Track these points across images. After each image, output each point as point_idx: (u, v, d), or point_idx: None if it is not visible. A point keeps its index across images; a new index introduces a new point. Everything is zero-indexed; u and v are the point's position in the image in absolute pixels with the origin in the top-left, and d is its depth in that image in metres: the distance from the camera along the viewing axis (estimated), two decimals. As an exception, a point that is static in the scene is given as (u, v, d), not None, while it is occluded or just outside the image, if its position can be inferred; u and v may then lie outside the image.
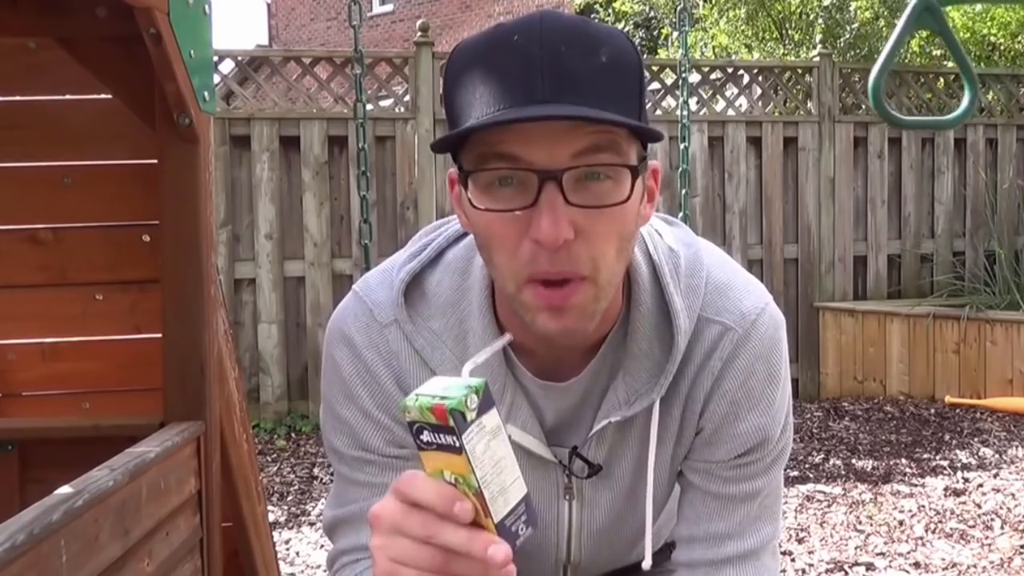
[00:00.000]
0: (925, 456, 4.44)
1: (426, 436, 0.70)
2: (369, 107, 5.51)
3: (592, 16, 12.39)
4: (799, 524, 3.59)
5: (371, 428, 1.01)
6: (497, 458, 0.71)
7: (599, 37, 0.83)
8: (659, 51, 10.50)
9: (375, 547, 0.73)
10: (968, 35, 7.34)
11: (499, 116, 0.79)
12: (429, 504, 0.71)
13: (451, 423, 0.69)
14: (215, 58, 4.39)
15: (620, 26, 12.43)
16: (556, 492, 1.05)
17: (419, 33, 5.34)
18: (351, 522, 1.03)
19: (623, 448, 1.02)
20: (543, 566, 1.12)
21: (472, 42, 0.85)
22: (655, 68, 5.89)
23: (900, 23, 1.73)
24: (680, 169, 3.44)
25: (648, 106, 5.68)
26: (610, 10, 12.26)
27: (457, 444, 0.69)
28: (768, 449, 1.01)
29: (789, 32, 7.93)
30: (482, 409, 0.70)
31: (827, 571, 3.18)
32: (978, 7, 7.09)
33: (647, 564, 1.04)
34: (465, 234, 1.02)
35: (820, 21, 7.46)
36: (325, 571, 3.39)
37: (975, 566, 3.16)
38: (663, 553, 1.17)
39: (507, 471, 0.72)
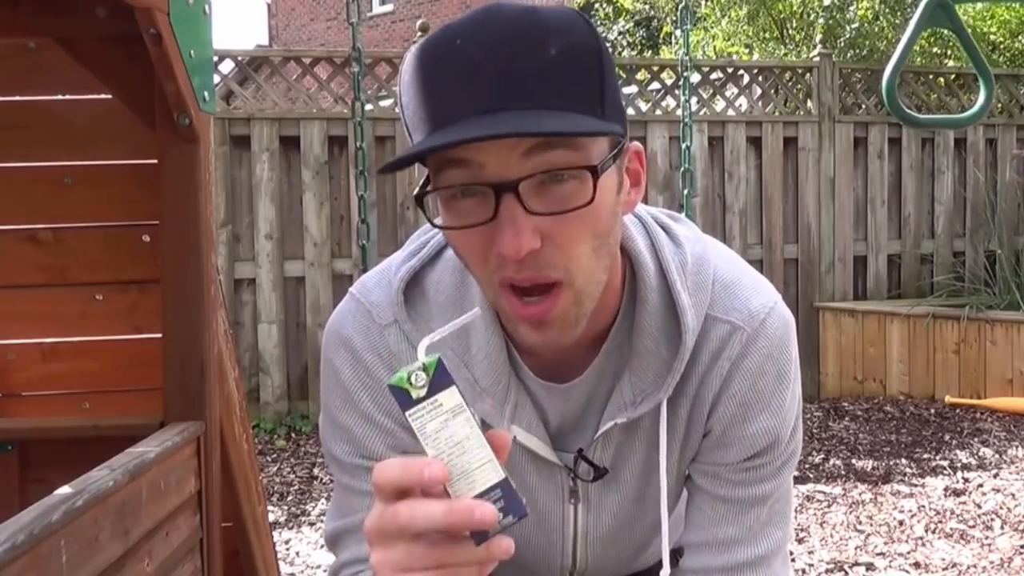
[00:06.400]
0: (925, 456, 4.44)
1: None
2: (369, 107, 5.52)
3: (591, 13, 12.35)
4: (799, 524, 3.59)
5: (373, 433, 0.99)
6: (458, 438, 0.66)
7: (547, 29, 0.77)
8: (660, 50, 10.49)
9: (375, 564, 0.69)
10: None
11: (437, 140, 0.75)
12: (396, 481, 0.66)
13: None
14: (215, 58, 4.39)
15: (619, 22, 12.40)
16: (561, 496, 1.03)
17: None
18: (353, 533, 1.00)
19: (630, 450, 1.00)
20: (548, 573, 1.10)
21: (421, 48, 0.81)
22: (655, 68, 5.89)
23: (913, 21, 1.68)
24: (682, 169, 3.44)
25: (648, 106, 5.72)
26: (609, 10, 12.25)
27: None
28: (778, 451, 0.99)
29: (789, 32, 7.94)
30: (436, 387, 0.67)
31: (827, 571, 3.18)
32: (979, 5, 7.08)
33: (666, 573, 1.01)
34: None
35: (820, 21, 7.46)
36: (326, 573, 3.39)
37: (975, 566, 3.16)
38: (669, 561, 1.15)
39: (472, 453, 0.66)
